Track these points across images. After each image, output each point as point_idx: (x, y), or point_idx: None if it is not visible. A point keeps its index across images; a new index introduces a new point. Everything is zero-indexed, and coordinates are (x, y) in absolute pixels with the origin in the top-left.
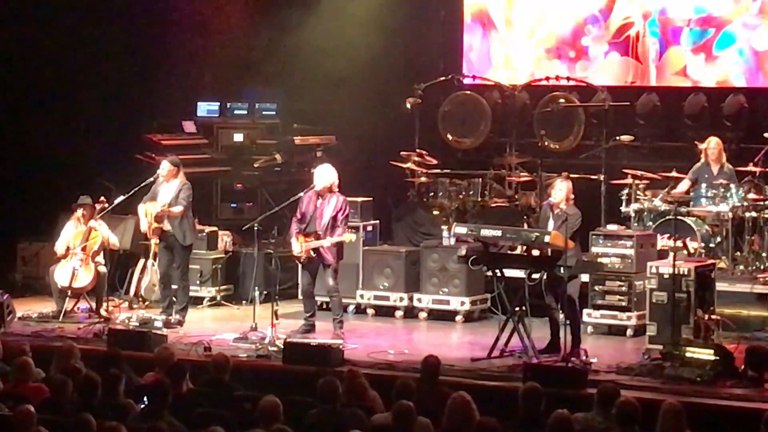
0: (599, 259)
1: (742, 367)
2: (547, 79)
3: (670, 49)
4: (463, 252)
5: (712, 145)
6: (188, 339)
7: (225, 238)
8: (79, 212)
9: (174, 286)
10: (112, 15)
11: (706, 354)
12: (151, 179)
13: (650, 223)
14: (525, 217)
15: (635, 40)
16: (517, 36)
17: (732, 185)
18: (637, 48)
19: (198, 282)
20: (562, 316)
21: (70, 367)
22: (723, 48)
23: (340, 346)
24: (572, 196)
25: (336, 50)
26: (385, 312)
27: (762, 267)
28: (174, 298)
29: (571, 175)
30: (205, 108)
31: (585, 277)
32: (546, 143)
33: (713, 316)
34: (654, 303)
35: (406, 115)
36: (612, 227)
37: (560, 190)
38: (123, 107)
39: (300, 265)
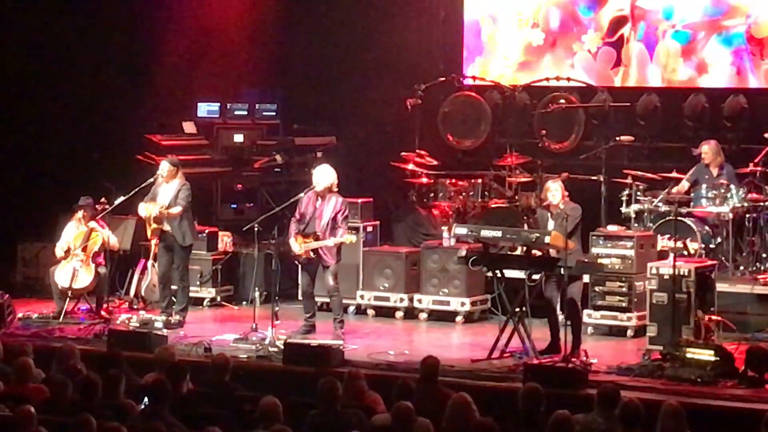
0: (599, 260)
1: (743, 368)
2: (547, 79)
3: (659, 49)
4: (464, 253)
5: (704, 150)
6: (188, 339)
7: (225, 239)
8: (80, 213)
9: (174, 287)
10: (113, 15)
11: (707, 355)
12: (151, 180)
13: (650, 223)
14: (525, 217)
15: (627, 40)
16: (507, 23)
17: (732, 186)
18: (629, 47)
19: (198, 282)
20: (562, 316)
21: (71, 367)
22: (712, 51)
23: (341, 347)
24: (566, 193)
25: (336, 50)
26: (385, 313)
27: (762, 268)
28: (174, 299)
29: (572, 176)
30: (205, 108)
31: (585, 278)
32: (546, 144)
33: (713, 317)
34: (654, 304)
35: (406, 116)
36: (612, 228)
37: (556, 190)
38: (123, 108)
39: (300, 266)
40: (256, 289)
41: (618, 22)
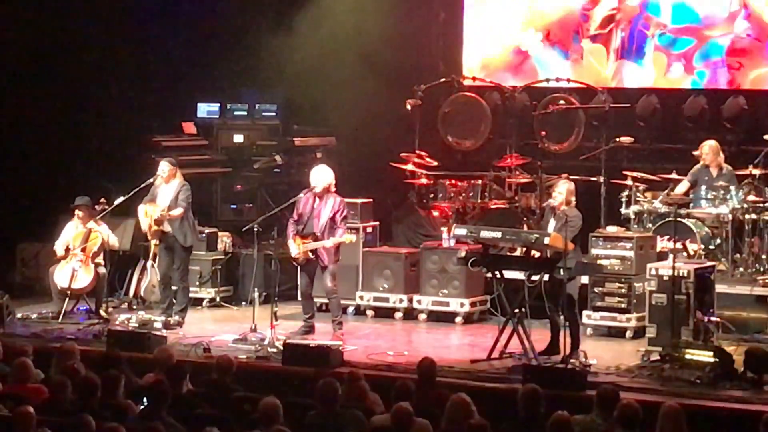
0: (599, 261)
1: (741, 369)
2: (547, 80)
3: (647, 50)
4: (463, 254)
5: (705, 150)
6: (188, 340)
7: (225, 240)
8: (80, 213)
9: (174, 287)
10: (113, 16)
11: (706, 356)
12: (151, 180)
13: (650, 224)
14: (525, 218)
15: (617, 37)
16: (501, 14)
17: (732, 187)
18: (619, 45)
19: (197, 283)
20: (561, 317)
21: (70, 367)
22: (696, 58)
23: (340, 348)
24: (573, 198)
25: (336, 51)
26: (384, 313)
27: (761, 269)
28: (174, 299)
29: (571, 177)
30: (205, 109)
31: (584, 279)
32: (546, 145)
33: (713, 318)
34: (653, 305)
35: (406, 117)
36: (612, 229)
37: (560, 193)
38: (123, 108)
39: (298, 267)
40: (256, 289)
41: (609, 20)
